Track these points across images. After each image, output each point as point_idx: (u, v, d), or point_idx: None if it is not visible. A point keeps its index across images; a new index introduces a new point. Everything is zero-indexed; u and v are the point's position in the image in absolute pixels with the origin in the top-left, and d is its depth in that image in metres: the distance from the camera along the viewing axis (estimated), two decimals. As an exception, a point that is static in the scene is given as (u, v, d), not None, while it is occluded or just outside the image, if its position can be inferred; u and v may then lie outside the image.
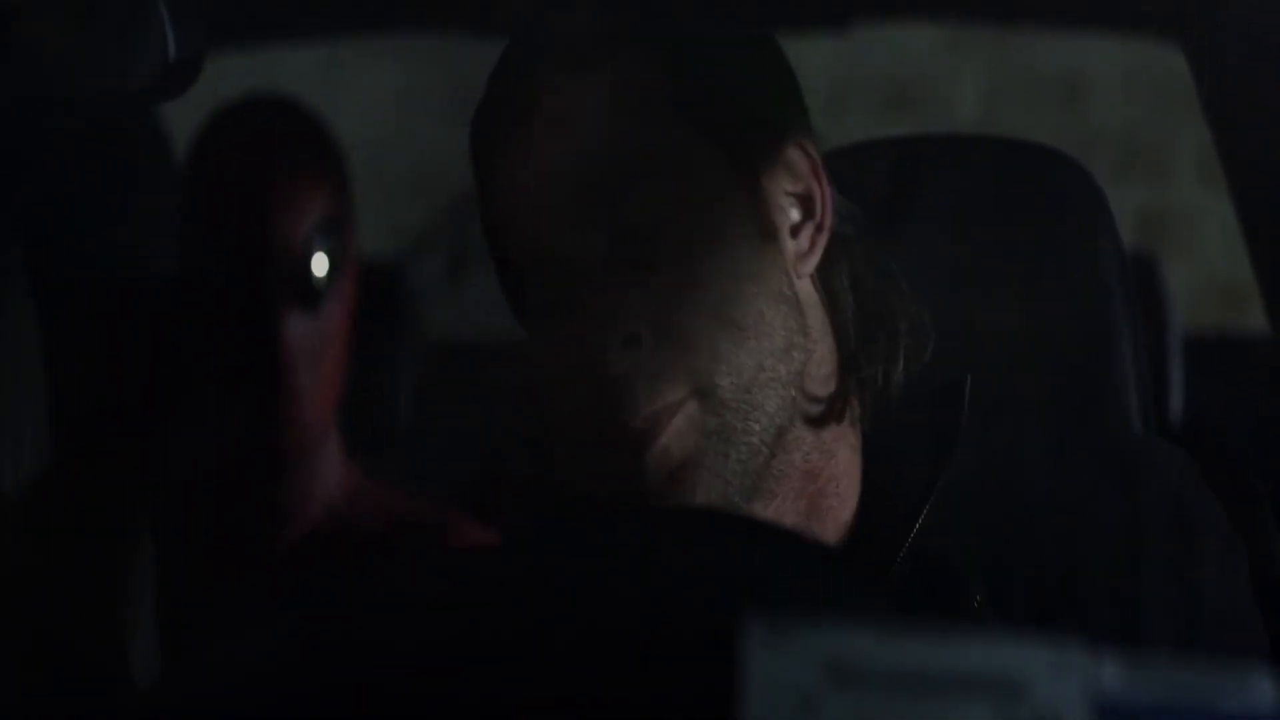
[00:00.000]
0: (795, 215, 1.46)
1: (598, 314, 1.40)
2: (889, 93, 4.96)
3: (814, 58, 4.65)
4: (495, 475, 2.77)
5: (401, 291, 2.75)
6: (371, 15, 2.40)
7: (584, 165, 1.42)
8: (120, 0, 1.40)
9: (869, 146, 1.74)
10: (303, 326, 2.13)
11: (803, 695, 0.88)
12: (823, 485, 1.45)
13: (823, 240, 1.47)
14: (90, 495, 1.67)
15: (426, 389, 2.79)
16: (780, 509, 1.44)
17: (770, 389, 1.41)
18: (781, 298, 1.43)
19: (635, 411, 1.39)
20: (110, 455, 2.18)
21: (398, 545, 2.18)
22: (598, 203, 1.41)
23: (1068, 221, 1.59)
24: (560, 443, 1.46)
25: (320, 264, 2.14)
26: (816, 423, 1.45)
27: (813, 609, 1.08)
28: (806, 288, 1.47)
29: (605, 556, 1.17)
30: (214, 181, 2.16)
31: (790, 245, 1.46)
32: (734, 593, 1.11)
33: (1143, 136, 4.69)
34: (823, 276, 1.48)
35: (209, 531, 2.19)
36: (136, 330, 2.33)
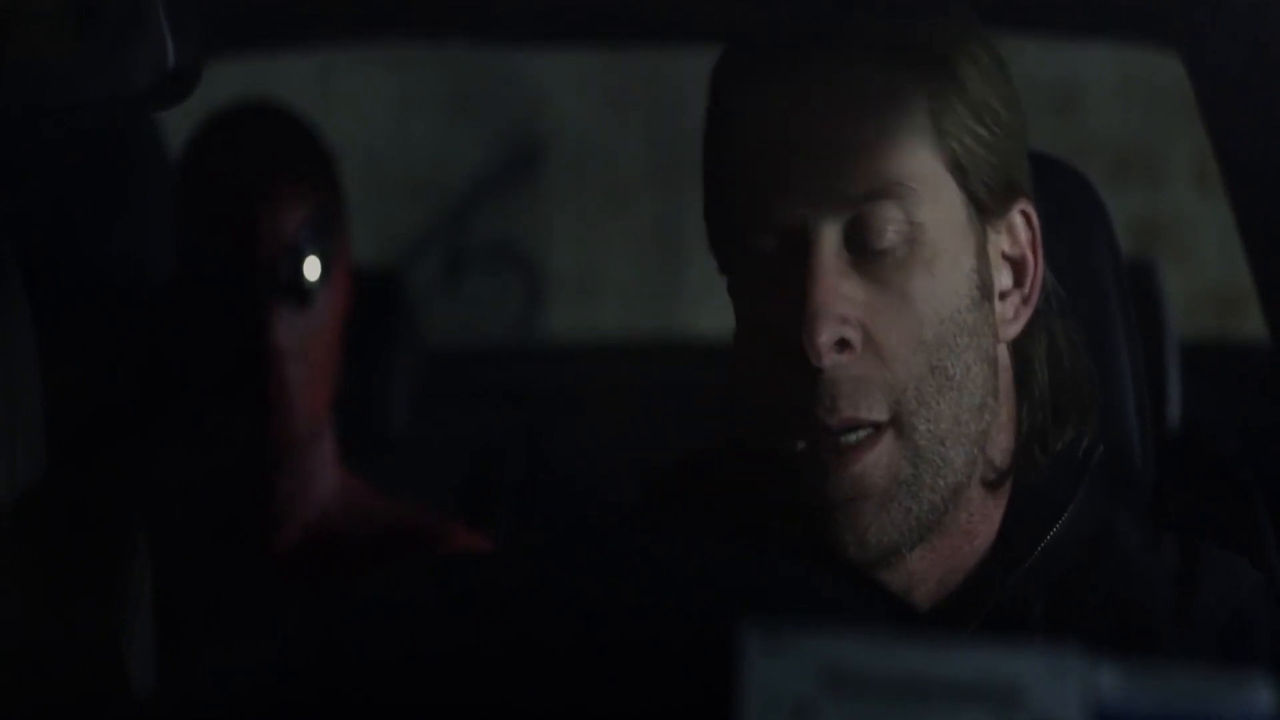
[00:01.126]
0: (1006, 280, 1.47)
1: (816, 301, 1.40)
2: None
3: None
4: (492, 480, 2.77)
5: (397, 297, 2.75)
6: (367, 23, 2.40)
7: (841, 152, 1.42)
8: (119, 8, 1.40)
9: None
10: (293, 327, 2.14)
11: (800, 703, 0.88)
12: (975, 545, 1.46)
13: (1027, 312, 1.47)
14: (86, 502, 1.66)
15: (423, 395, 2.79)
16: (930, 561, 1.44)
17: (960, 445, 1.42)
18: (985, 357, 1.44)
19: (834, 412, 1.40)
20: (106, 462, 2.18)
21: (393, 551, 2.18)
22: (844, 194, 1.41)
23: (1065, 228, 1.60)
24: (745, 413, 1.44)
25: (311, 266, 2.14)
26: (989, 486, 1.46)
27: (811, 617, 1.08)
28: (1003, 353, 1.47)
29: (602, 564, 1.17)
30: (205, 187, 2.16)
31: (998, 308, 1.46)
32: (732, 600, 1.11)
33: (1139, 143, 4.70)
34: (1018, 346, 1.48)
35: (204, 537, 2.19)
36: (131, 336, 2.32)
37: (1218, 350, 3.07)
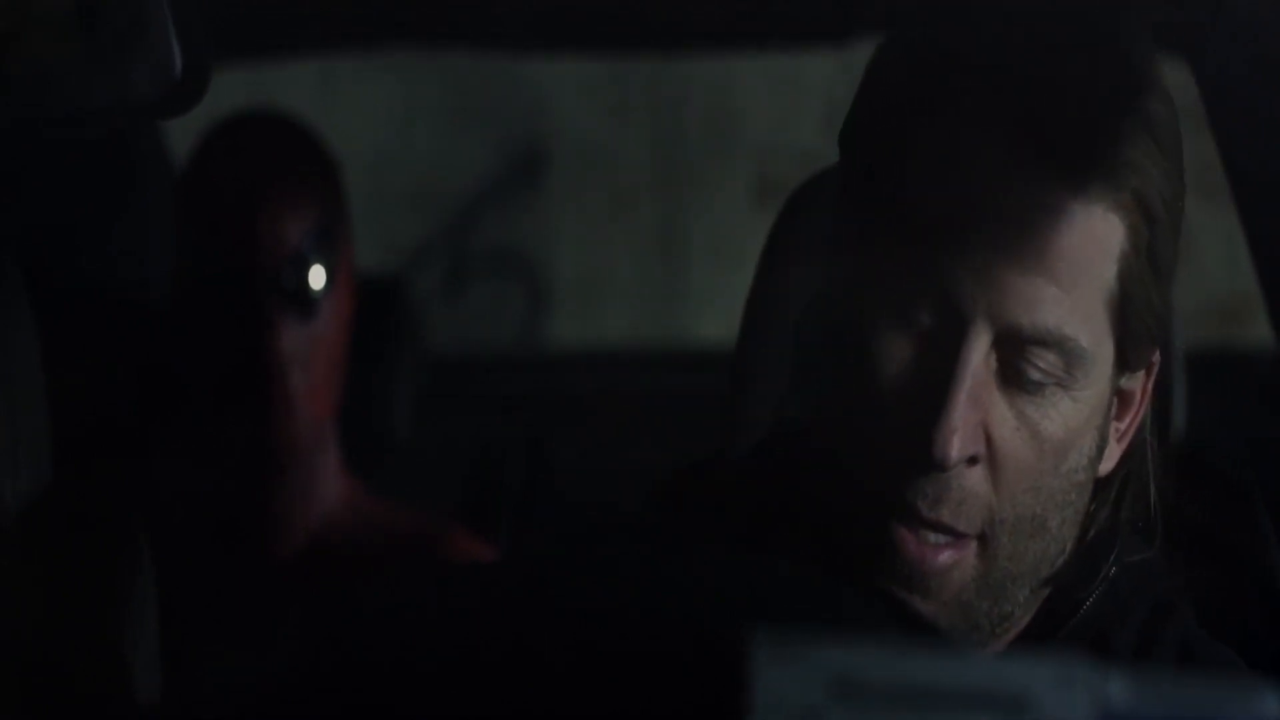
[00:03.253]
0: (1112, 413, 1.42)
1: (959, 407, 1.33)
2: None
3: (813, 74, 4.66)
4: (495, 487, 2.77)
5: (400, 303, 2.75)
6: (370, 31, 2.41)
7: (1028, 280, 1.33)
8: (127, 17, 1.40)
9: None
10: (296, 335, 2.14)
11: (809, 712, 0.87)
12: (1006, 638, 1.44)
13: (1120, 449, 1.42)
14: (90, 508, 1.66)
15: (426, 401, 2.79)
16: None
17: (1027, 586, 1.39)
18: (1084, 512, 1.41)
19: (932, 509, 1.34)
20: (110, 468, 2.18)
21: (396, 557, 2.18)
22: (1015, 323, 1.34)
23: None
24: (824, 455, 1.38)
25: (316, 275, 2.14)
26: (1033, 594, 1.42)
27: (818, 626, 1.08)
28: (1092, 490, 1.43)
29: (604, 571, 1.17)
30: (208, 194, 2.16)
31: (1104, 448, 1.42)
32: (738, 610, 1.11)
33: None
34: (1104, 480, 1.43)
35: (208, 543, 2.19)
36: (135, 343, 2.33)
37: (1221, 359, 3.08)
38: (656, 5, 2.22)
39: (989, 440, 1.35)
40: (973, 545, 1.36)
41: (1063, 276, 1.34)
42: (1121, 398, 1.42)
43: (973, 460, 1.35)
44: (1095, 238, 1.35)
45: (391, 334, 2.70)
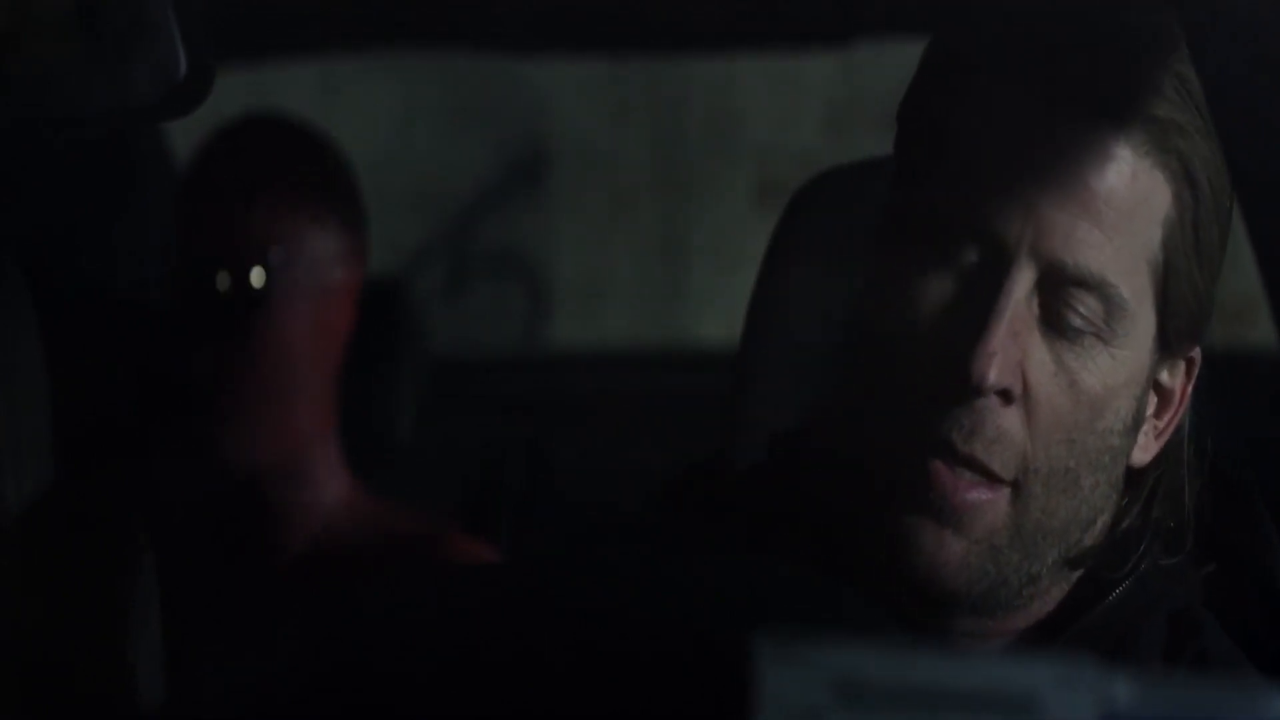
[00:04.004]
0: (1150, 408, 1.43)
1: (999, 336, 1.34)
2: (891, 111, 4.97)
3: (815, 76, 4.67)
4: (496, 489, 2.78)
5: (402, 305, 2.75)
6: (371, 33, 2.41)
7: (1079, 221, 1.35)
8: (126, 19, 1.40)
9: (871, 165, 1.73)
10: (285, 339, 2.14)
11: (813, 714, 0.88)
12: (1027, 618, 1.43)
13: (1157, 446, 1.43)
14: (92, 511, 1.66)
15: (427, 403, 2.79)
16: (978, 626, 1.42)
17: (1056, 546, 1.39)
18: (1113, 481, 1.41)
19: (967, 442, 1.35)
20: (111, 471, 2.18)
21: (398, 559, 2.18)
22: (1060, 262, 1.35)
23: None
24: (860, 385, 1.39)
25: (259, 276, 2.14)
26: (1062, 575, 1.43)
27: (821, 628, 1.08)
28: (1123, 472, 1.43)
29: (607, 573, 1.17)
30: (203, 197, 2.16)
31: (1140, 437, 1.43)
32: (740, 611, 1.11)
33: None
34: (1138, 471, 1.44)
35: (211, 545, 2.19)
36: (137, 345, 2.33)
37: (1223, 359, 3.07)
38: (656, 6, 2.22)
39: (1026, 383, 1.36)
40: (1006, 491, 1.37)
41: (1107, 222, 1.36)
42: (1161, 394, 1.43)
43: (1008, 399, 1.35)
44: (1141, 191, 1.37)
45: (392, 335, 2.70)
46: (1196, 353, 1.44)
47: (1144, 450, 1.43)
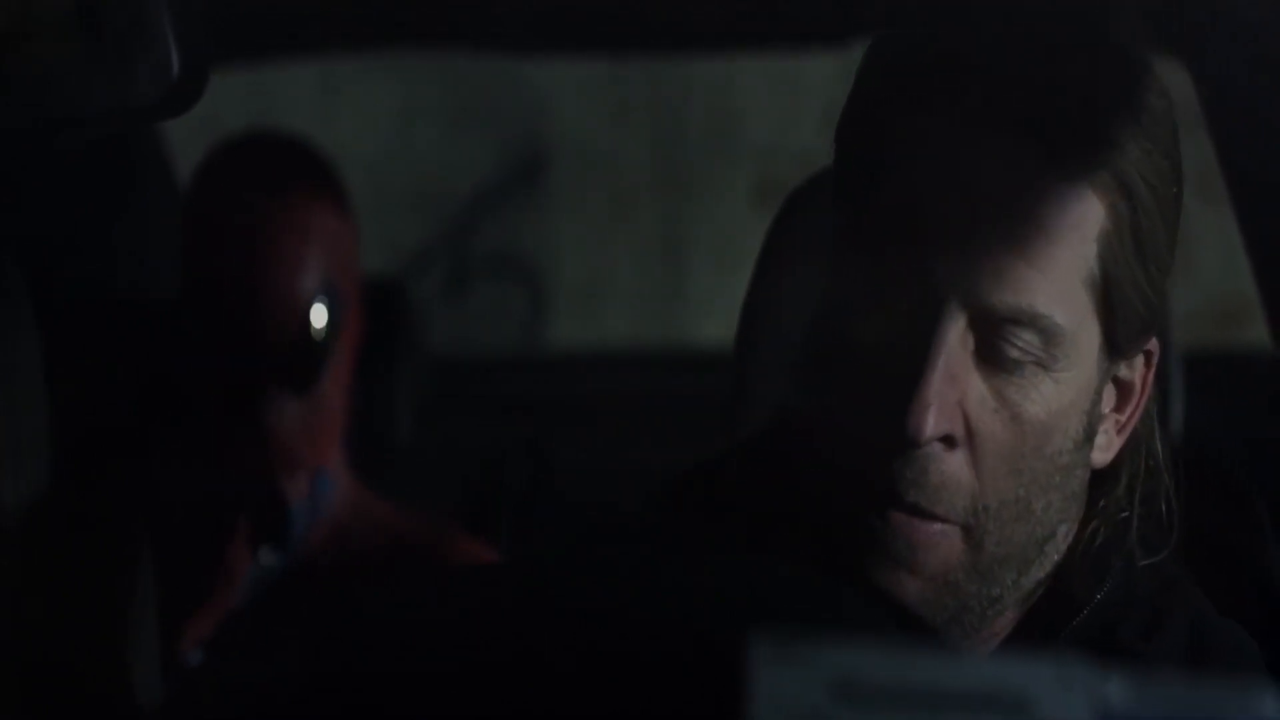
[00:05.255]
0: (1109, 404, 1.41)
1: (934, 385, 1.33)
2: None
3: (815, 76, 4.66)
4: (497, 490, 2.78)
5: (402, 307, 2.75)
6: (371, 33, 2.41)
7: (1000, 261, 1.34)
8: (125, 19, 1.40)
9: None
10: (295, 401, 2.14)
11: (811, 714, 0.88)
12: (998, 628, 1.43)
13: (1120, 440, 1.42)
14: (90, 513, 1.66)
15: (428, 404, 2.79)
16: (988, 634, 1.42)
17: (1015, 568, 1.39)
18: (1069, 493, 1.40)
19: (914, 492, 1.35)
20: (111, 473, 2.18)
21: (401, 561, 2.18)
22: (989, 304, 1.34)
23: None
24: (815, 452, 1.39)
25: (319, 315, 2.14)
26: (1032, 587, 1.42)
27: (819, 628, 1.08)
28: (1085, 477, 1.42)
29: (607, 575, 1.18)
30: (213, 219, 2.15)
31: (1099, 438, 1.41)
32: (739, 611, 1.11)
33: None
34: (1103, 471, 1.42)
35: (212, 548, 2.19)
36: (136, 346, 2.32)
37: (1219, 360, 3.07)
38: (656, 7, 2.22)
39: (968, 423, 1.35)
40: (958, 530, 1.36)
41: (1036, 255, 1.34)
42: (1120, 388, 1.41)
43: (951, 443, 1.35)
44: (1070, 217, 1.35)
45: (392, 336, 2.70)
46: (1154, 344, 1.42)
47: (1106, 450, 1.42)
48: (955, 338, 1.34)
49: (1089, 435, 1.40)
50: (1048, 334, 1.35)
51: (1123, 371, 1.41)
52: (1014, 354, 1.35)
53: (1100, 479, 1.43)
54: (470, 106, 4.88)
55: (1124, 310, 1.38)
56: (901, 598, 1.36)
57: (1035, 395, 1.36)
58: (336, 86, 4.69)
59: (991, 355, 1.35)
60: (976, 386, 1.35)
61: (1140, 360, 1.42)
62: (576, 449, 2.92)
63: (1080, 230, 1.36)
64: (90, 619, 1.50)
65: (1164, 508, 1.45)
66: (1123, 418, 1.42)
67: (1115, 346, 1.39)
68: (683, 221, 4.88)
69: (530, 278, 4.94)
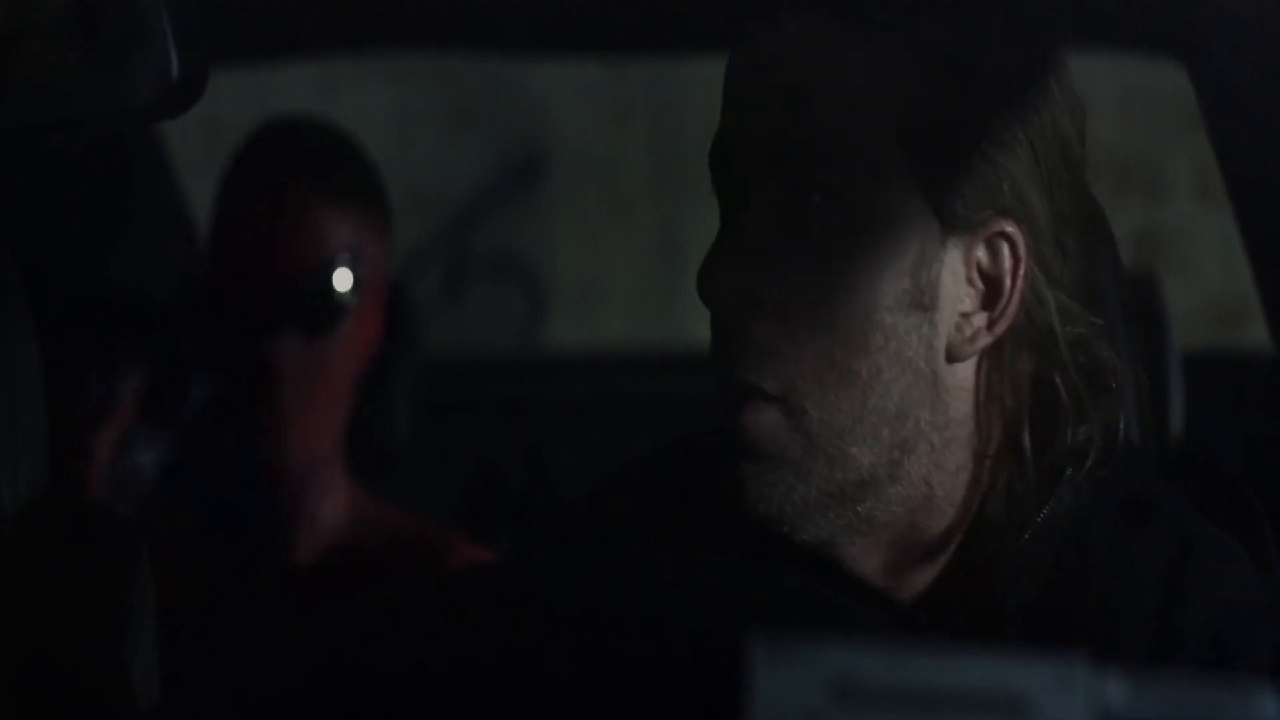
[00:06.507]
0: (972, 301, 1.40)
1: (738, 252, 1.38)
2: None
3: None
4: (494, 492, 2.78)
5: (400, 309, 2.75)
6: (369, 35, 2.41)
7: (794, 117, 1.38)
8: (123, 20, 1.40)
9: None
10: (316, 346, 2.14)
11: (809, 714, 0.88)
12: (932, 542, 1.42)
13: (989, 337, 1.40)
14: (88, 516, 1.66)
15: (425, 406, 2.79)
16: (867, 552, 1.41)
17: (868, 445, 1.38)
18: (912, 368, 1.39)
19: (738, 368, 1.39)
20: (110, 478, 2.18)
21: (400, 565, 2.18)
22: (783, 158, 1.38)
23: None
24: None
25: (342, 278, 2.15)
26: (945, 491, 1.41)
27: (816, 628, 1.08)
28: (962, 371, 1.40)
29: (605, 576, 1.17)
30: (247, 199, 2.16)
31: (949, 326, 1.39)
32: (737, 612, 1.11)
33: (1140, 155, 4.70)
34: (990, 365, 1.41)
35: (212, 551, 2.19)
36: (135, 349, 2.32)
37: (1219, 362, 3.07)
38: (656, 8, 2.22)
39: (782, 288, 1.37)
40: (776, 406, 1.37)
41: (830, 105, 1.37)
42: (987, 283, 1.40)
43: (759, 306, 1.37)
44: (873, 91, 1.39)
45: (391, 338, 2.70)
46: (1014, 230, 1.40)
47: (971, 341, 1.40)
48: (767, 199, 1.38)
49: (919, 304, 1.38)
50: (834, 180, 1.37)
51: (985, 266, 1.40)
52: (810, 206, 1.37)
53: (989, 380, 1.41)
54: (468, 108, 4.89)
55: (943, 180, 1.37)
56: (746, 489, 1.38)
57: (834, 249, 1.37)
58: (335, 88, 4.69)
59: (793, 211, 1.38)
60: (788, 249, 1.38)
61: (1006, 258, 1.40)
62: (575, 451, 2.92)
63: (867, 96, 1.38)
64: (88, 620, 1.50)
65: (1124, 424, 1.44)
66: (993, 313, 1.40)
67: (942, 212, 1.38)
68: (680, 223, 4.88)
69: (528, 279, 4.94)
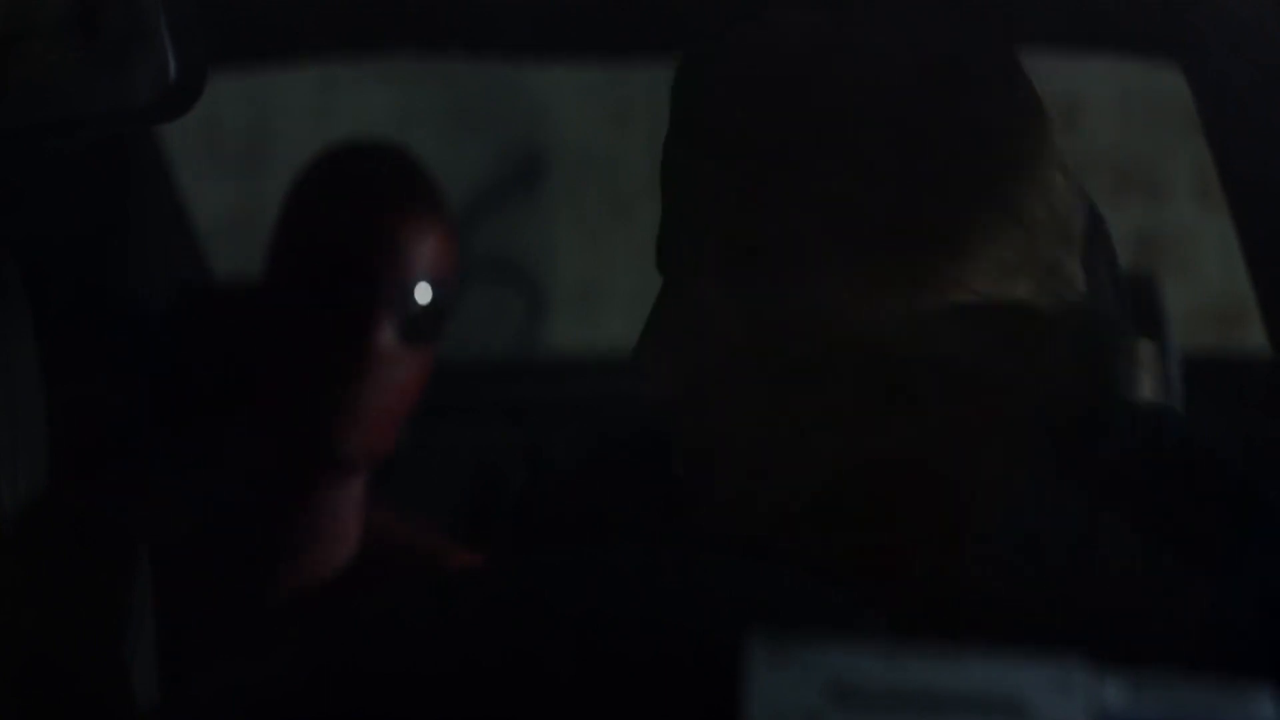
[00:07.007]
0: None
1: None
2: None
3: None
4: (494, 492, 2.78)
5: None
6: (369, 38, 2.41)
7: None
8: (121, 21, 1.41)
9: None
10: (404, 356, 2.17)
11: (806, 715, 0.88)
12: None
13: None
14: (87, 519, 1.67)
15: (424, 408, 2.79)
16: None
17: None
18: None
19: None
20: (109, 478, 2.18)
21: (398, 570, 2.18)
22: None
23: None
24: None
25: (423, 291, 2.18)
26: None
27: (813, 630, 1.08)
28: None
29: (603, 577, 1.18)
30: (335, 208, 2.18)
31: None
32: (734, 614, 1.11)
33: (1139, 157, 4.70)
34: None
35: (210, 554, 2.19)
36: (136, 349, 2.33)
37: (1218, 364, 3.07)
38: (656, 10, 2.23)
39: None
40: None
41: None
42: None
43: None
44: None
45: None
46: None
47: None
48: None
49: None
50: None
51: None
52: None
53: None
54: (468, 109, 4.89)
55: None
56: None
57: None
58: (334, 91, 4.69)
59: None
60: None
61: None
62: (574, 451, 2.92)
63: None
64: (88, 620, 1.50)
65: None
66: None
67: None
68: (680, 226, 4.88)
69: (527, 282, 4.94)
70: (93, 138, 2.21)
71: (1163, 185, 4.66)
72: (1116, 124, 4.67)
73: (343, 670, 1.13)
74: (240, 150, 4.68)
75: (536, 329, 4.95)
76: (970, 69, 1.38)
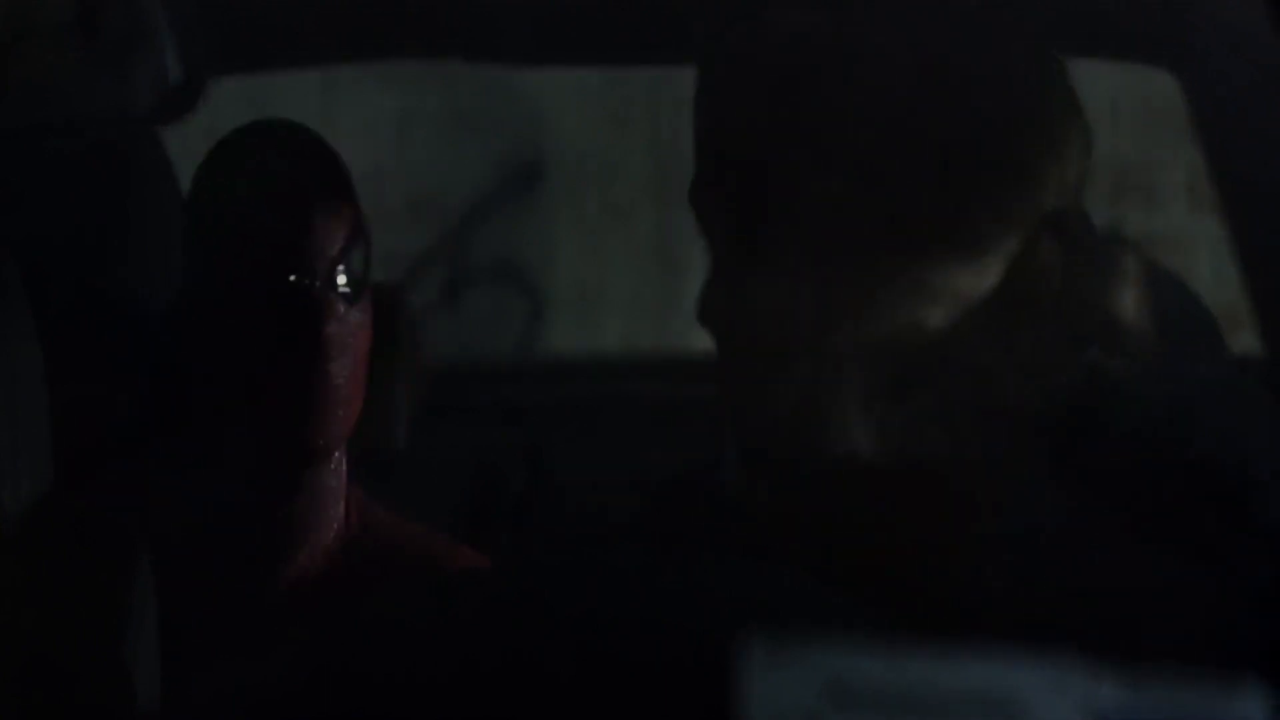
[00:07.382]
0: None
1: None
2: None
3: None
4: (495, 493, 2.78)
5: (398, 314, 2.75)
6: (370, 41, 2.41)
7: None
8: (123, 25, 1.41)
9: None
10: (340, 330, 2.15)
11: (805, 715, 0.88)
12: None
13: None
14: (89, 519, 1.67)
15: (423, 411, 2.79)
16: None
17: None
18: None
19: None
20: (110, 478, 2.18)
21: (398, 570, 2.18)
22: None
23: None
24: None
25: (352, 275, 2.16)
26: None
27: (812, 630, 1.09)
28: None
29: (602, 578, 1.18)
30: (238, 198, 2.17)
31: None
32: (734, 614, 1.12)
33: (1133, 163, 4.70)
34: None
35: (212, 556, 2.19)
36: (137, 350, 2.33)
37: (1214, 365, 3.07)
38: (655, 14, 2.23)
39: None
40: None
41: None
42: None
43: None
44: None
45: (389, 343, 2.70)
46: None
47: None
48: None
49: None
50: None
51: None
52: None
53: None
54: (467, 113, 4.89)
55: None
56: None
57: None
58: (334, 94, 4.70)
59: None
60: None
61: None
62: (573, 455, 2.93)
63: None
64: (88, 620, 1.50)
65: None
66: None
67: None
68: (679, 229, 4.88)
69: (526, 285, 4.94)
70: (94, 137, 2.21)
71: (1156, 189, 4.67)
72: (1109, 129, 4.67)
73: (343, 670, 1.13)
74: (239, 152, 4.67)
75: (535, 331, 4.95)
76: (970, 69, 1.39)
